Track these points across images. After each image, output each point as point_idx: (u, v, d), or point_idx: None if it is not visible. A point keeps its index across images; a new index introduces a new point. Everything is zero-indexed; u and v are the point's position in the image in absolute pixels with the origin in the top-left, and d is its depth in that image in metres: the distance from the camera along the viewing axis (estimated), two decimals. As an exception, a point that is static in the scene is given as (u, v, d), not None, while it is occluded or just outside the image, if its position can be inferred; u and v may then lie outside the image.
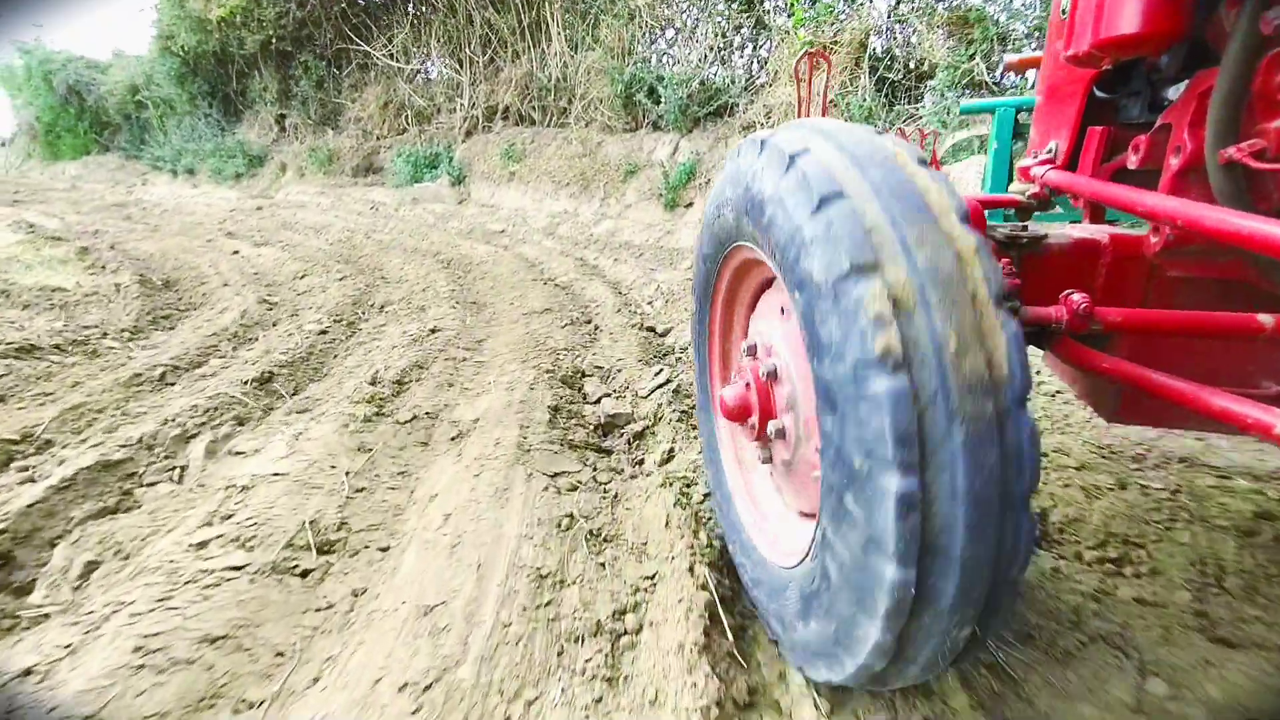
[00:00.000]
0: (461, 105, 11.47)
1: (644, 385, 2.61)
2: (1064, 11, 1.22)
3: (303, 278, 5.26)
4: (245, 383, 2.75)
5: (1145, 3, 1.00)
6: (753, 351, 1.28)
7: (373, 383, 2.69)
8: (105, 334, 3.68)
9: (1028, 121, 1.86)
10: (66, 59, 18.95)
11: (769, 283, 1.35)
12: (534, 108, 10.72)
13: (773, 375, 1.19)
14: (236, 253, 6.59)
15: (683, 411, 2.38)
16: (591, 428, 2.38)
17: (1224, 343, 1.15)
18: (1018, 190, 1.56)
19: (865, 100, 6.61)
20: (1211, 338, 1.10)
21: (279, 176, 13.32)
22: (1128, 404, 1.26)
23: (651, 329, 3.58)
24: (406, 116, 12.44)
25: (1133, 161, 1.19)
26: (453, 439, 2.24)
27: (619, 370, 2.85)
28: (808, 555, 1.06)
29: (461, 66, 11.54)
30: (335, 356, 3.25)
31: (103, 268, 5.65)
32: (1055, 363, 1.39)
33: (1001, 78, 5.81)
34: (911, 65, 6.89)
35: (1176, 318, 1.04)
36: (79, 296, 4.66)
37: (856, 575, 0.84)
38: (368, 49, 12.23)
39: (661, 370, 2.66)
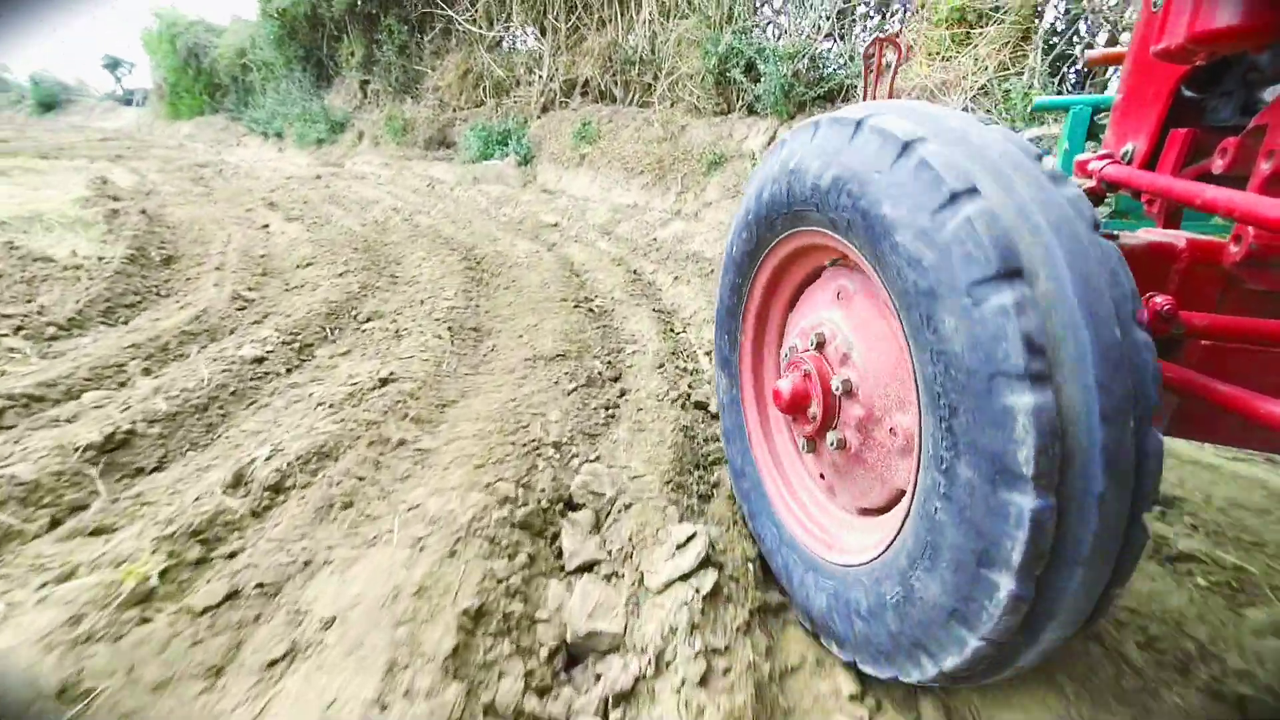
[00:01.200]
0: (540, 77, 10.53)
1: (660, 561, 1.44)
2: (1156, 4, 1.17)
3: (307, 266, 4.45)
4: (81, 449, 1.84)
5: None
6: (815, 342, 1.27)
7: (234, 484, 1.69)
8: (21, 328, 2.94)
9: (1104, 123, 1.63)
10: (189, 22, 19.80)
11: (815, 275, 1.37)
12: (615, 82, 9.59)
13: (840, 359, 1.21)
14: (266, 227, 5.96)
15: (715, 652, 1.21)
16: (543, 656, 1.25)
17: None
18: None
19: (1034, 84, 4.99)
20: None
21: (355, 144, 13.01)
22: (1182, 417, 1.14)
23: (703, 406, 2.39)
24: (484, 88, 11.67)
25: (1218, 166, 1.11)
26: (270, 665, 1.17)
27: (629, 504, 1.69)
28: (892, 542, 1.01)
29: (544, 35, 10.57)
30: (248, 406, 2.30)
31: (117, 236, 5.11)
32: None
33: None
34: (1101, 40, 5.17)
35: (1269, 327, 1.00)
36: (59, 269, 4.05)
37: (978, 523, 0.80)
38: (451, 13, 11.52)
39: (695, 535, 1.47)
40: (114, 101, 30.09)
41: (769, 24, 7.48)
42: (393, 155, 11.24)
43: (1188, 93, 1.26)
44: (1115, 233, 1.16)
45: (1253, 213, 0.85)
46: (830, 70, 6.86)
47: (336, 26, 13.69)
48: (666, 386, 2.49)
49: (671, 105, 8.54)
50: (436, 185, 8.39)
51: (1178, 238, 1.15)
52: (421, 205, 7.21)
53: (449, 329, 3.07)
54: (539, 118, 10.39)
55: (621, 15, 9.36)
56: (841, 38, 6.89)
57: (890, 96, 3.38)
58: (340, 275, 4.12)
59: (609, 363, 2.79)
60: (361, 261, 4.53)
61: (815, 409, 1.25)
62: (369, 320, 3.35)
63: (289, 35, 14.93)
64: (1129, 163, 1.35)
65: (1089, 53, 2.14)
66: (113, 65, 29.47)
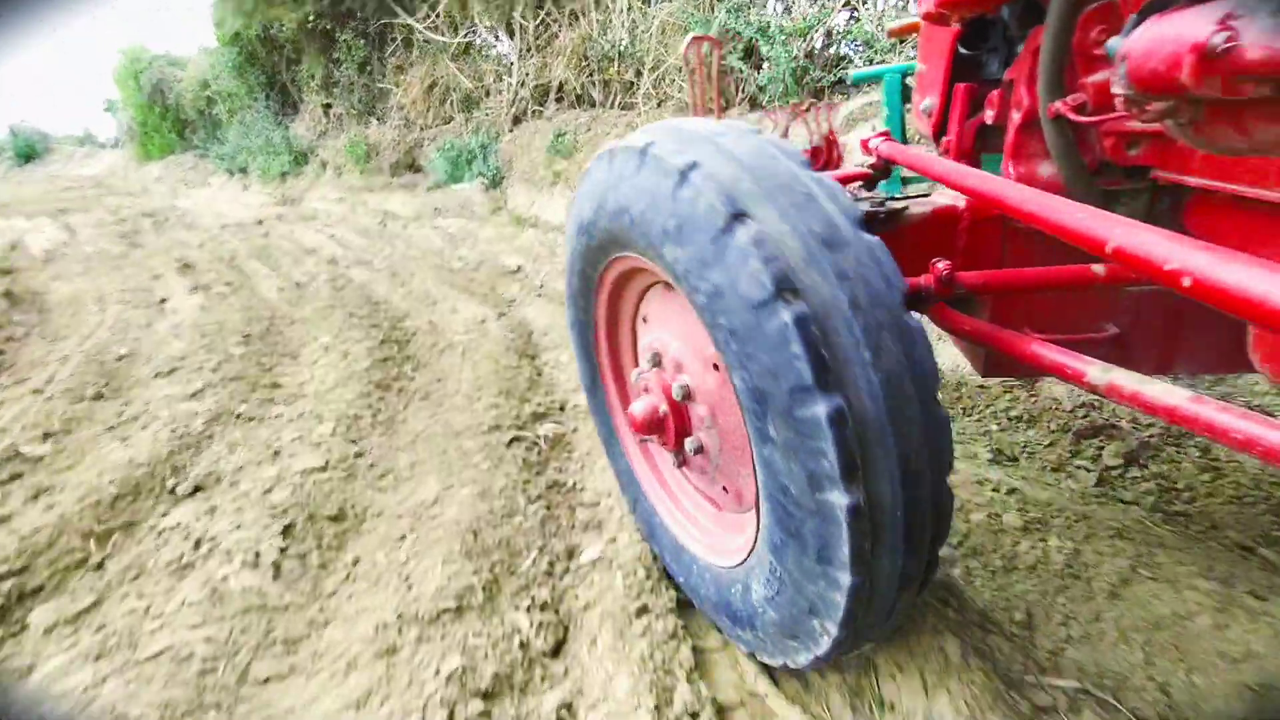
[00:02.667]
0: (509, 84, 9.27)
1: None
2: None
3: (168, 374, 3.25)
4: None
5: None
6: (656, 361, 1.29)
7: None
8: None
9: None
10: (152, 57, 18.84)
11: (647, 290, 1.37)
12: (593, 83, 8.30)
13: (685, 390, 1.21)
14: (162, 302, 4.80)
15: None
16: None
17: (1068, 293, 1.20)
18: (859, 163, 1.57)
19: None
20: (1056, 289, 1.15)
21: (319, 175, 11.86)
22: (993, 359, 1.30)
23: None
24: (452, 102, 10.44)
25: (989, 116, 1.23)
26: None
27: None
28: (754, 544, 1.07)
29: (512, 36, 9.31)
30: None
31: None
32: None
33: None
34: None
35: (1024, 275, 1.11)
36: None
37: (809, 525, 0.86)
38: (411, 22, 10.31)
39: None
40: (94, 146, 29.45)
41: (769, -3, 6.14)
42: (353, 186, 10.07)
43: (963, 50, 1.35)
44: (905, 203, 1.28)
45: (962, 185, 1.04)
46: (850, 49, 5.52)
47: (294, 48, 12.57)
48: (652, 699, 1.21)
49: (659, 105, 7.24)
50: (390, 222, 7.17)
51: (958, 199, 1.24)
52: (364, 252, 6.00)
53: (285, 531, 1.81)
54: (511, 130, 9.14)
55: (596, 5, 8.06)
56: (862, 3, 5.54)
57: (719, 97, 3.30)
58: (195, 395, 2.90)
59: (544, 605, 1.51)
60: (240, 362, 3.31)
61: (669, 425, 1.24)
62: (191, 496, 2.12)
63: (248, 61, 13.86)
64: (930, 116, 1.44)
65: (889, 25, 2.18)
66: (114, 109, 28.81)
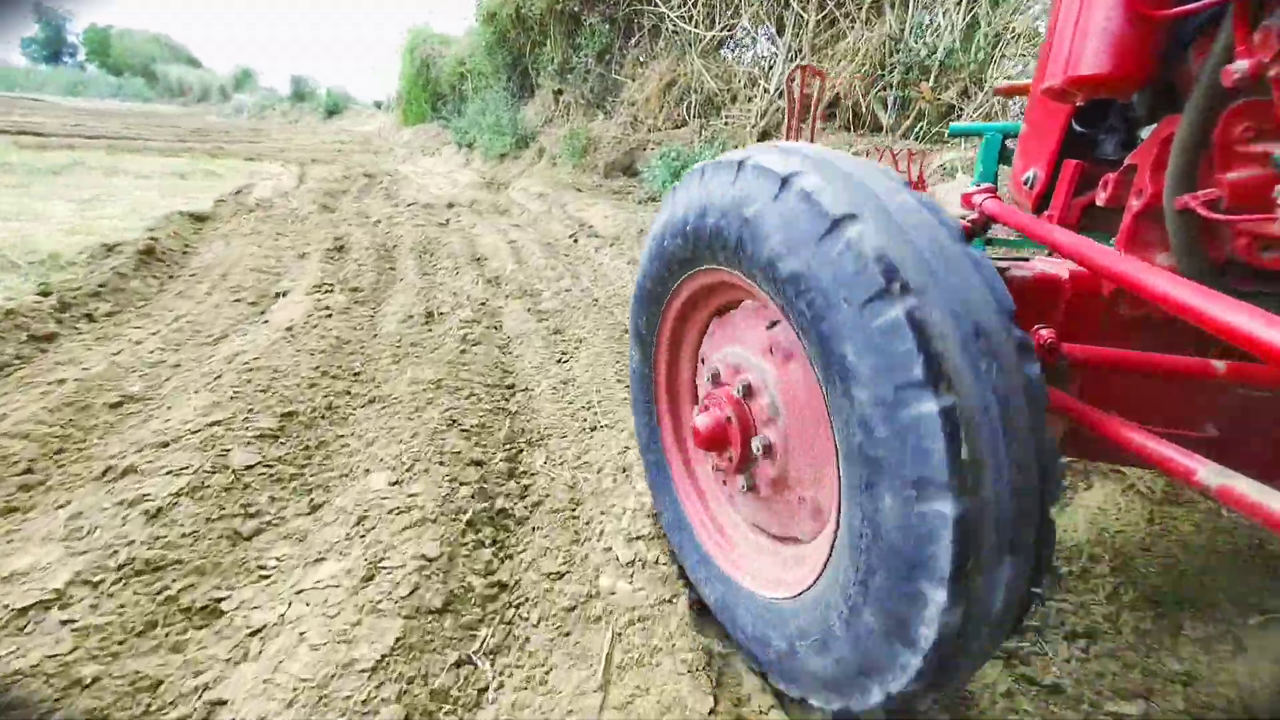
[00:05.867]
0: (764, 91, 7.42)
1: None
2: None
3: (119, 477, 1.84)
4: None
5: (1113, 46, 0.98)
6: (716, 379, 1.30)
7: None
8: None
9: (1014, 148, 1.69)
10: (427, 35, 20.37)
11: (730, 306, 1.33)
12: (882, 101, 6.09)
13: (748, 392, 1.20)
14: (279, 296, 3.67)
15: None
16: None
17: (1171, 384, 1.14)
18: (959, 216, 1.44)
19: None
20: (1169, 379, 1.09)
21: (535, 161, 11.13)
22: (1071, 439, 1.22)
23: None
24: (690, 105, 8.91)
25: (1101, 198, 1.18)
26: None
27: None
28: (822, 570, 1.01)
29: (782, 32, 7.45)
30: None
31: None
32: None
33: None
34: None
35: (1137, 359, 1.05)
36: None
37: (904, 539, 0.79)
38: (664, 9, 8.96)
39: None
40: (376, 109, 33.86)
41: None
42: (560, 181, 8.97)
43: (1077, 127, 1.29)
44: (1006, 264, 1.19)
45: (1088, 258, 0.94)
46: None
47: (541, 30, 12.06)
48: None
49: (991, 141, 4.84)
50: (581, 238, 5.68)
51: (1061, 268, 1.17)
52: (538, 275, 4.49)
53: None
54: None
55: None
56: None
57: (814, 128, 3.32)
58: (60, 602, 1.35)
59: None
60: (221, 497, 1.76)
61: (733, 442, 1.23)
62: None
63: (499, 42, 13.81)
64: (1031, 188, 1.38)
65: (997, 84, 2.11)
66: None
